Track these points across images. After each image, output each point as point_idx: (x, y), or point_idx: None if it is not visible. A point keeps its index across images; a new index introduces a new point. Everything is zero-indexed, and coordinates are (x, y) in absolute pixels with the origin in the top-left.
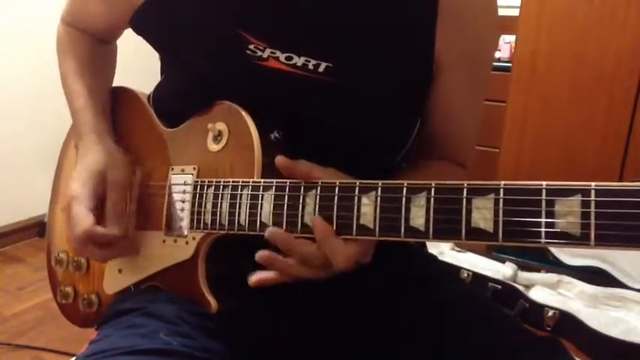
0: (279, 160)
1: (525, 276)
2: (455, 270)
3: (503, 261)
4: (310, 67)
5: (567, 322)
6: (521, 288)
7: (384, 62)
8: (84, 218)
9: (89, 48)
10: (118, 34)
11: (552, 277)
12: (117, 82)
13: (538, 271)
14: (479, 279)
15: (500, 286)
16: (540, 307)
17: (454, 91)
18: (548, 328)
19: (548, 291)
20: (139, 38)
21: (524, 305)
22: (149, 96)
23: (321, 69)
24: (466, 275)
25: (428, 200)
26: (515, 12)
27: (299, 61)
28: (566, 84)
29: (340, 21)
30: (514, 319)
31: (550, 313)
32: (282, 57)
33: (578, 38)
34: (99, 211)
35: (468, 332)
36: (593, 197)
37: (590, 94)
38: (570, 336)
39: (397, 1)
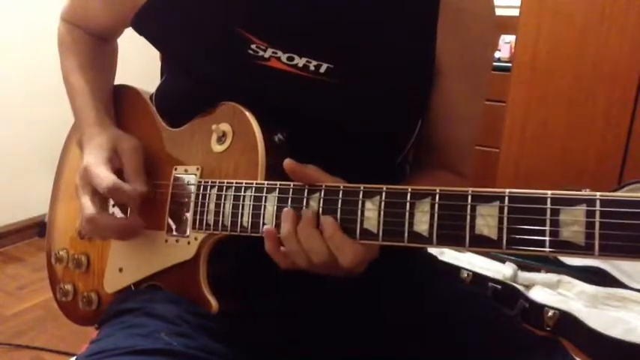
0: (287, 163)
1: (525, 276)
2: (455, 270)
3: (503, 261)
4: (311, 68)
5: (567, 322)
6: (521, 288)
7: (385, 62)
8: (107, 175)
9: (90, 46)
10: (118, 33)
11: (552, 277)
12: (118, 80)
13: (538, 271)
14: (479, 279)
15: (500, 286)
16: (540, 307)
17: (454, 94)
18: (548, 328)
19: (548, 291)
20: (140, 38)
21: (524, 305)
22: (151, 95)
23: (322, 70)
24: (466, 275)
25: (432, 206)
26: (515, 12)
27: (300, 61)
28: (566, 84)
29: (342, 22)
30: (514, 319)
31: (550, 313)
32: (283, 57)
33: (578, 38)
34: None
35: (468, 332)
36: (598, 207)
37: (590, 94)
38: (570, 336)
39: (398, 1)
